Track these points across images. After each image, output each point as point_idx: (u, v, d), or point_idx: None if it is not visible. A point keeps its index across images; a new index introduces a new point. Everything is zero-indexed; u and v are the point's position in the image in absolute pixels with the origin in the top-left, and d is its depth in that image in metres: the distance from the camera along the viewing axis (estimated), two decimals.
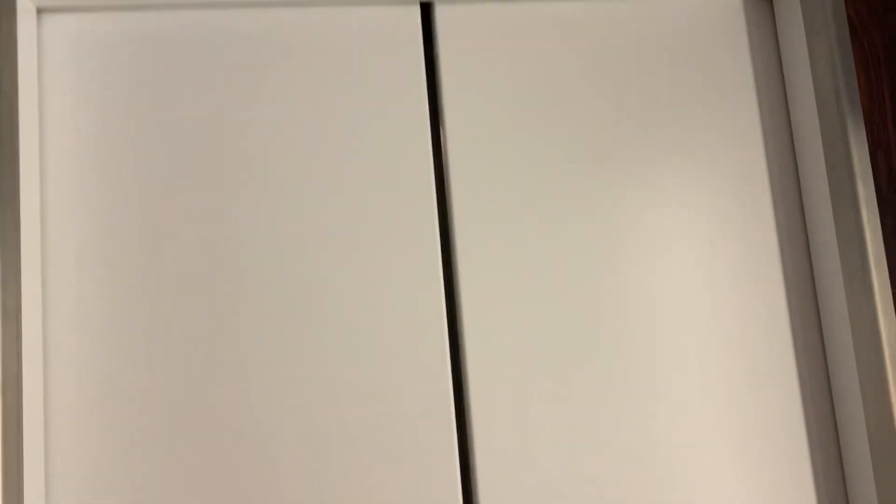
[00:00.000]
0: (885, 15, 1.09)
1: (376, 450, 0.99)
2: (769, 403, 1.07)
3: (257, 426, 0.98)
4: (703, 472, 1.04)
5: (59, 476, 0.95)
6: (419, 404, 1.00)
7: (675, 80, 1.14)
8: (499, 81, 1.10)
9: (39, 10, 1.04)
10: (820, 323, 1.10)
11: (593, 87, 1.12)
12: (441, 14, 1.10)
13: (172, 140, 1.04)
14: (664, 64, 1.14)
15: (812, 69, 1.08)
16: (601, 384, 1.04)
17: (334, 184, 1.05)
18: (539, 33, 1.12)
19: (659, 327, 1.07)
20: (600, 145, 1.11)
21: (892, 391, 1.00)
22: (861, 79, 1.06)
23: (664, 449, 1.04)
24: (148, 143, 1.03)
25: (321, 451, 0.98)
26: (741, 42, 1.17)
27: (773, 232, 1.12)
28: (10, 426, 0.88)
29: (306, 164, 1.05)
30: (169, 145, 1.03)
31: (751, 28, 1.17)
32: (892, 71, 1.07)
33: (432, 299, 1.03)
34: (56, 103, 1.03)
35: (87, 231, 1.00)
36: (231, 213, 1.03)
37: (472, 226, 1.06)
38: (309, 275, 1.02)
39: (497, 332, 1.04)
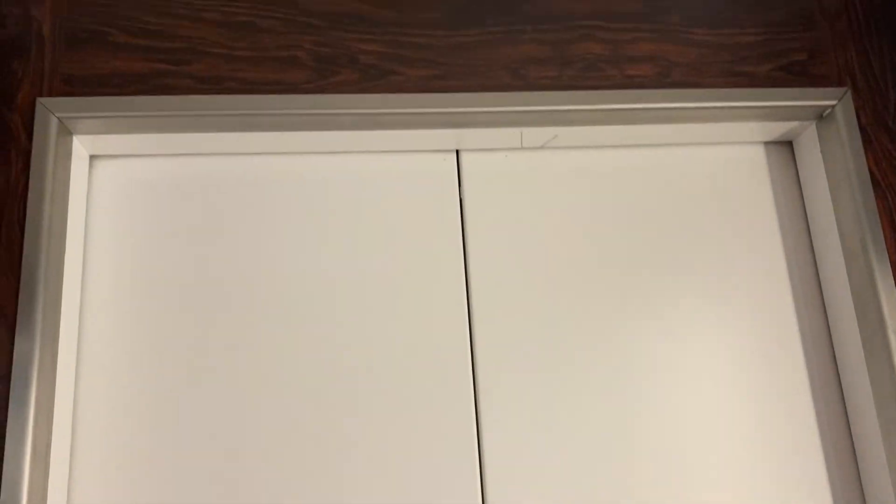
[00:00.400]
0: None
1: None
2: None
3: None
4: None
5: None
6: None
7: (697, 226, 1.15)
8: (523, 224, 1.13)
9: (92, 157, 1.12)
10: (860, 476, 1.06)
11: (618, 231, 1.14)
12: (467, 161, 1.15)
13: (212, 278, 1.07)
14: (686, 209, 1.15)
15: (837, 223, 1.08)
16: None
17: (375, 313, 1.08)
18: (561, 179, 1.15)
19: (681, 468, 1.04)
20: (622, 285, 1.11)
21: None
22: (886, 232, 1.05)
23: None
24: (188, 280, 1.07)
25: None
26: (765, 191, 1.18)
27: (805, 382, 1.09)
28: None
29: (347, 300, 1.08)
30: (208, 283, 1.07)
31: (774, 179, 1.18)
32: None
33: (464, 440, 1.03)
34: (100, 238, 1.08)
35: (122, 372, 1.03)
36: (269, 346, 1.05)
37: (494, 368, 1.07)
38: (342, 405, 1.03)
39: (519, 472, 1.02)
